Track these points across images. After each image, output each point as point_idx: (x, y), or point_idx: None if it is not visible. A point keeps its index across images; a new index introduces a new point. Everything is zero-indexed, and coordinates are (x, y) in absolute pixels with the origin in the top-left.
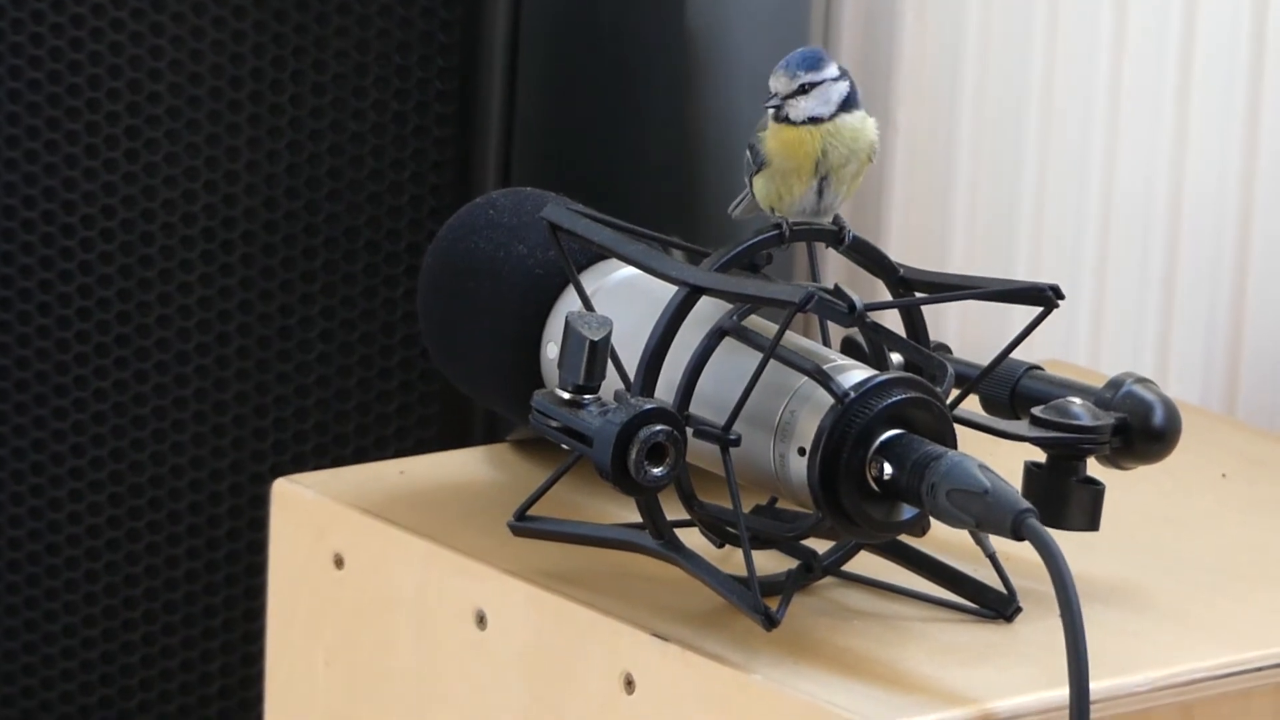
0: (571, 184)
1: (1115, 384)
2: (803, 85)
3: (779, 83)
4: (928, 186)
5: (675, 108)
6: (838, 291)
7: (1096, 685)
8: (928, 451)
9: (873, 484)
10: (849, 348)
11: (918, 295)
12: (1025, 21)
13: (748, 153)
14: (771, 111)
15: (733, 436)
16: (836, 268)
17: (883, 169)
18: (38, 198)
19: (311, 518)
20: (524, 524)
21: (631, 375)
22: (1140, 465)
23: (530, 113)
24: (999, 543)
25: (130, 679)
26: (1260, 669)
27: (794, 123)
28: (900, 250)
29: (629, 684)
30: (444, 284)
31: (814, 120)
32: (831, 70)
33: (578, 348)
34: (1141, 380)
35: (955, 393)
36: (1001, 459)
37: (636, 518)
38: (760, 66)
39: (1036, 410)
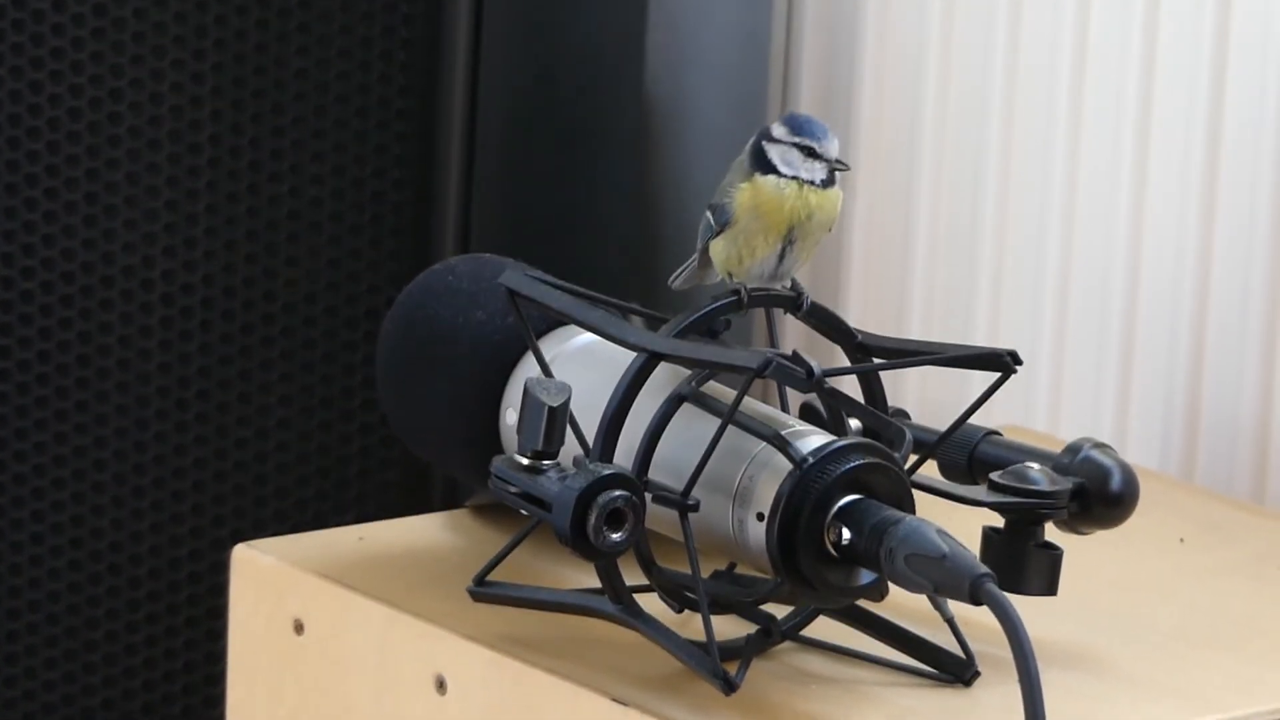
0: (530, 249)
1: (1073, 449)
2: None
3: (835, 147)
4: (886, 252)
5: (634, 172)
6: (796, 357)
7: None
8: (886, 516)
9: (831, 549)
10: (807, 413)
11: (876, 361)
12: (983, 86)
13: (708, 214)
14: (824, 177)
15: (691, 502)
16: (795, 333)
17: (841, 235)
18: None
19: (271, 583)
20: (483, 589)
21: (590, 441)
22: (1098, 530)
23: (489, 178)
24: (957, 607)
25: None
26: None
27: (804, 184)
28: (858, 316)
29: None
30: (403, 350)
31: (811, 183)
32: None
33: (536, 413)
34: (1099, 445)
35: (914, 458)
36: (959, 524)
37: (596, 583)
38: (718, 131)
39: (995, 475)
